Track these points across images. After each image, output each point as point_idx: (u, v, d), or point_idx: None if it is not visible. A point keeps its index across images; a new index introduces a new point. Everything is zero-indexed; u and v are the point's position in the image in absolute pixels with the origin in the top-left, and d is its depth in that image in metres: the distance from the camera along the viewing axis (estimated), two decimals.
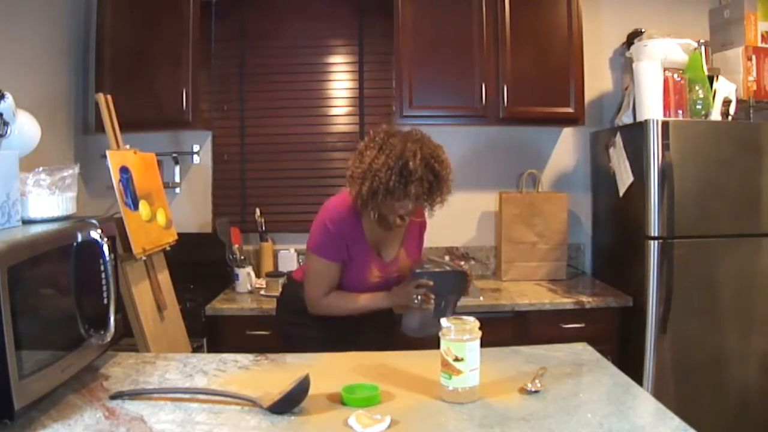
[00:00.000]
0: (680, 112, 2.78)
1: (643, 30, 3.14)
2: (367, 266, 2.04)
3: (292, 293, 2.17)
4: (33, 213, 1.55)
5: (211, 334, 2.70)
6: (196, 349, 2.57)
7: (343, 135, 3.38)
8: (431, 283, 1.94)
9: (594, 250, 3.40)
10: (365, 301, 2.03)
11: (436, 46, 3.03)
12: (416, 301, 1.94)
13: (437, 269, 2.03)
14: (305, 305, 2.06)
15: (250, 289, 2.98)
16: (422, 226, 2.22)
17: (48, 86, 2.94)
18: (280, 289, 2.39)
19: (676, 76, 2.80)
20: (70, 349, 1.44)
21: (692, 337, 2.69)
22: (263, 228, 3.22)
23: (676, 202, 2.63)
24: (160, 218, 2.34)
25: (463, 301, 2.07)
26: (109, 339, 1.56)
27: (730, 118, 2.83)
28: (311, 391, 1.37)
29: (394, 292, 2.01)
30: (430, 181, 1.85)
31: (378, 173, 1.83)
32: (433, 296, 1.94)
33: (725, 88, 2.85)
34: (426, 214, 2.07)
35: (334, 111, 3.40)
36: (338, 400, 1.40)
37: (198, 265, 2.95)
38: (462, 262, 2.11)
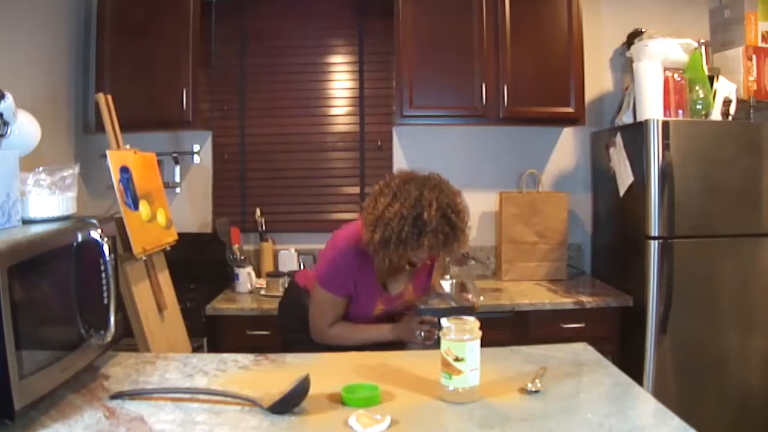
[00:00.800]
0: (680, 112, 2.78)
1: (643, 30, 3.14)
2: (373, 300, 2.02)
3: (294, 299, 2.15)
4: (33, 213, 1.55)
5: (211, 334, 2.70)
6: (196, 349, 2.56)
7: (343, 135, 3.38)
8: (435, 320, 1.89)
9: (594, 250, 3.40)
10: (369, 334, 2.01)
11: (436, 46, 3.03)
12: (419, 338, 1.92)
13: (442, 306, 2.00)
14: (302, 312, 2.05)
15: (251, 289, 2.98)
16: (432, 262, 2.19)
17: (48, 86, 2.94)
18: (282, 294, 2.37)
19: (676, 76, 2.79)
20: (70, 349, 1.44)
21: (692, 337, 2.69)
22: (263, 228, 3.22)
23: (676, 202, 2.63)
24: (160, 218, 2.34)
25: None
26: (109, 339, 1.56)
27: (730, 118, 2.83)
28: (311, 391, 1.37)
29: (398, 327, 2.00)
30: (446, 232, 1.76)
31: (390, 223, 1.75)
32: (437, 331, 1.86)
33: (725, 88, 2.85)
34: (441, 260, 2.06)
35: (334, 111, 3.40)
36: (338, 400, 1.40)
37: (198, 265, 2.95)
38: (470, 296, 2.06)
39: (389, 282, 2.05)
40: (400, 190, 1.79)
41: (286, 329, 2.20)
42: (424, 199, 1.75)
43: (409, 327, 1.95)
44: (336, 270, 1.95)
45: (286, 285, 2.39)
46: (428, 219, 1.73)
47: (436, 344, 1.68)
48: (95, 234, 1.53)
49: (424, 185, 1.80)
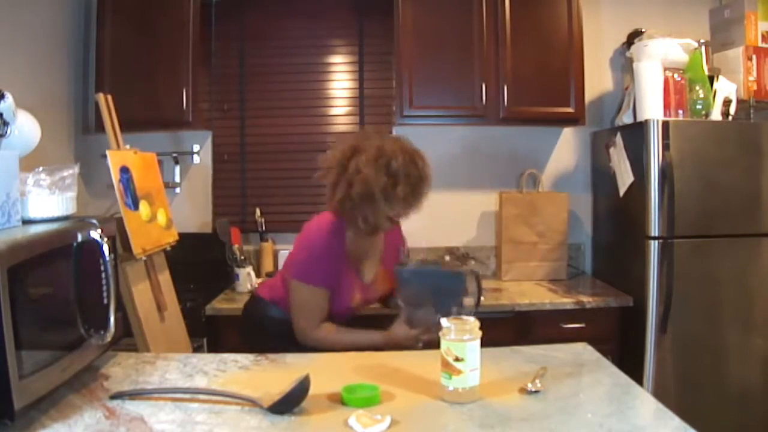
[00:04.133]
0: (680, 112, 2.78)
1: (643, 30, 3.14)
2: (351, 289, 2.00)
3: (260, 313, 2.12)
4: (33, 213, 1.55)
5: (211, 334, 2.70)
6: (196, 349, 2.57)
7: (344, 135, 3.38)
8: (429, 319, 1.79)
9: (594, 250, 3.40)
10: (359, 339, 1.92)
11: (436, 46, 3.03)
12: (420, 347, 1.86)
13: (423, 268, 1.92)
14: (272, 325, 2.02)
15: (251, 289, 2.97)
16: (400, 245, 2.17)
17: (48, 86, 2.94)
18: (243, 309, 2.27)
19: (676, 76, 2.80)
20: (70, 349, 1.44)
21: (692, 337, 2.69)
22: (263, 228, 3.23)
23: (676, 202, 2.63)
24: (161, 218, 2.34)
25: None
26: (109, 339, 1.56)
27: (730, 118, 2.83)
28: (311, 391, 1.37)
29: (391, 337, 1.91)
30: (415, 177, 1.85)
31: (367, 174, 1.82)
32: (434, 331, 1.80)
33: (725, 88, 2.85)
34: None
35: (334, 111, 3.40)
36: (338, 400, 1.40)
37: (198, 265, 2.95)
38: (473, 262, 2.03)
39: (362, 267, 2.05)
40: (362, 144, 1.88)
41: (257, 348, 2.09)
42: (388, 149, 1.85)
43: (406, 337, 1.88)
44: (317, 260, 1.93)
45: (246, 300, 2.30)
46: (398, 167, 1.82)
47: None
48: (95, 234, 1.53)
49: (383, 137, 1.94)
